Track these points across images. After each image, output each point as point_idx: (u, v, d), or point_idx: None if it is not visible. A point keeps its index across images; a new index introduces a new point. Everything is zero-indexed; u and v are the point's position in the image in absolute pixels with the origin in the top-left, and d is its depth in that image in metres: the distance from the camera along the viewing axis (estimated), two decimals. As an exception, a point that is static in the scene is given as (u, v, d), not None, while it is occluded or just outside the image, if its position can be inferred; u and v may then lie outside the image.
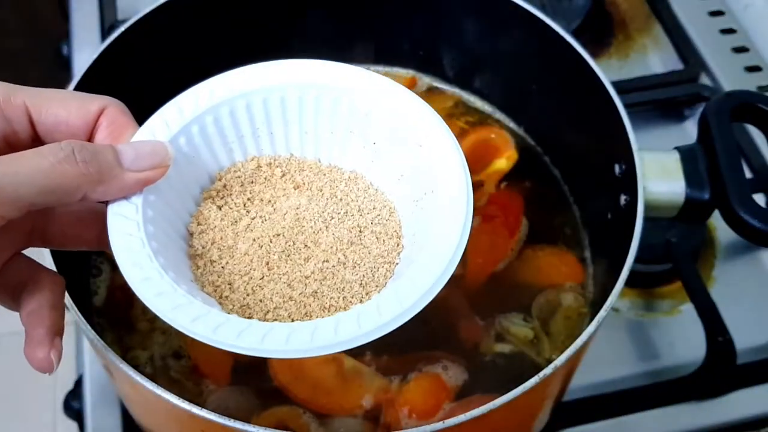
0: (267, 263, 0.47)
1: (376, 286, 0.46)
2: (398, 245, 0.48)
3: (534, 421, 0.67)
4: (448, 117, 0.83)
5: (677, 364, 0.78)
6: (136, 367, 0.57)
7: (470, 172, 0.49)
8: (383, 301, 0.44)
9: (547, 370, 0.53)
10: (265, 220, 0.49)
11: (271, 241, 0.48)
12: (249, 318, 0.45)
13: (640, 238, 0.59)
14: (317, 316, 0.45)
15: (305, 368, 0.65)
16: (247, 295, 0.46)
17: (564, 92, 0.73)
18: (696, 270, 0.80)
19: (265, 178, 0.51)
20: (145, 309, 0.70)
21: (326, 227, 0.49)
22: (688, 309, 0.80)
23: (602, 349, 0.76)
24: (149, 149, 0.44)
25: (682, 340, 0.80)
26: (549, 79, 0.75)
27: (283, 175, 0.52)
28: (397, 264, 0.47)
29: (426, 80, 0.85)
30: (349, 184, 0.51)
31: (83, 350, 0.78)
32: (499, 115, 0.83)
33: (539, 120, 0.80)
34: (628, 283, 0.59)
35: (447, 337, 0.69)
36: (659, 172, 0.63)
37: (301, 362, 0.66)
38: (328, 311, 0.45)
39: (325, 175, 0.52)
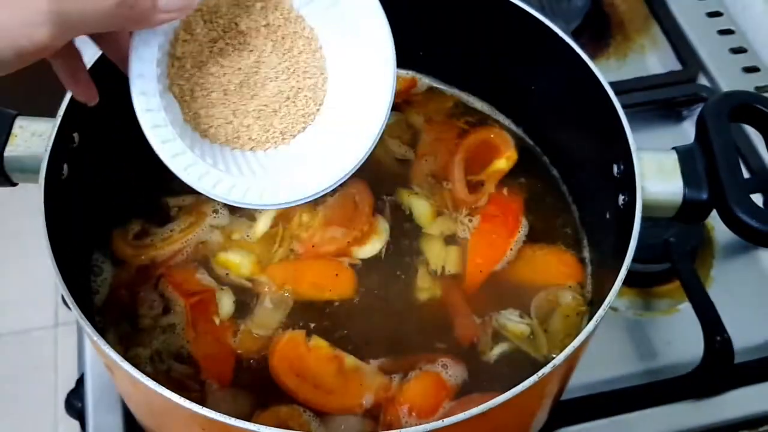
0: (224, 90, 0.59)
1: (291, 136, 0.61)
2: (318, 111, 0.62)
3: (533, 419, 0.67)
4: (448, 117, 0.83)
5: (675, 363, 0.79)
6: (137, 365, 0.57)
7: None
8: (316, 169, 0.59)
9: (546, 369, 0.53)
10: (235, 49, 0.59)
11: (233, 73, 0.59)
12: (195, 129, 0.58)
13: (639, 238, 0.59)
14: (243, 145, 0.59)
15: (306, 367, 0.66)
16: (202, 108, 0.58)
17: (563, 93, 0.73)
18: (694, 269, 0.81)
19: (246, 6, 0.59)
20: (145, 309, 0.70)
21: (276, 78, 0.60)
22: (686, 308, 0.81)
23: (601, 348, 0.77)
24: None
25: (680, 339, 0.81)
26: (548, 79, 0.75)
27: (262, 8, 0.59)
28: (309, 125, 0.62)
29: (426, 80, 0.85)
30: (306, 42, 0.61)
31: (84, 349, 0.79)
32: (498, 115, 0.83)
33: (538, 120, 0.81)
34: (627, 282, 0.59)
35: (447, 336, 0.69)
36: (657, 172, 0.64)
37: (302, 362, 0.66)
38: (253, 144, 0.60)
39: (292, 23, 0.60)
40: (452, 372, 0.67)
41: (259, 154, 0.61)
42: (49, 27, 0.44)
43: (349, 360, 0.66)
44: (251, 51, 0.59)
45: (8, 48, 0.45)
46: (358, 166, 0.59)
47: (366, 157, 0.59)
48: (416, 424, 0.57)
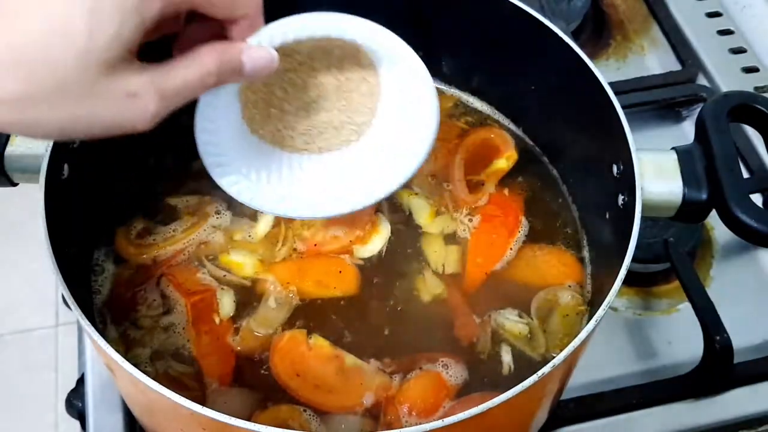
0: (282, 109, 0.64)
1: (328, 151, 0.66)
2: (357, 140, 0.66)
3: (533, 419, 0.67)
4: (448, 117, 0.83)
5: (675, 363, 0.79)
6: (138, 365, 0.57)
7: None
8: (351, 190, 0.65)
9: (546, 369, 0.53)
10: (303, 82, 0.63)
11: (294, 99, 0.63)
12: (248, 126, 0.63)
13: (638, 238, 0.59)
14: (283, 147, 0.65)
15: (307, 366, 0.66)
16: (258, 114, 0.63)
17: (562, 93, 0.74)
18: (693, 269, 0.81)
19: (326, 49, 0.62)
20: (146, 308, 0.70)
21: (330, 110, 0.65)
22: (685, 308, 0.81)
23: (600, 348, 0.77)
24: (265, 62, 0.54)
25: (680, 338, 0.81)
26: (548, 79, 0.75)
27: (340, 55, 0.62)
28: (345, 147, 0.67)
29: (425, 81, 0.85)
30: (369, 87, 0.64)
31: (85, 349, 0.79)
32: (498, 115, 0.83)
33: (538, 120, 0.81)
34: (626, 282, 0.59)
35: (447, 335, 0.69)
36: (657, 172, 0.64)
37: (303, 361, 0.66)
38: (291, 149, 0.65)
39: (362, 70, 0.63)
40: (452, 372, 0.67)
41: (293, 158, 0.66)
42: (153, 119, 0.50)
43: (350, 359, 0.66)
44: (316, 85, 0.63)
45: (115, 131, 0.50)
46: (382, 198, 0.65)
47: (396, 190, 0.65)
48: (416, 424, 0.57)
